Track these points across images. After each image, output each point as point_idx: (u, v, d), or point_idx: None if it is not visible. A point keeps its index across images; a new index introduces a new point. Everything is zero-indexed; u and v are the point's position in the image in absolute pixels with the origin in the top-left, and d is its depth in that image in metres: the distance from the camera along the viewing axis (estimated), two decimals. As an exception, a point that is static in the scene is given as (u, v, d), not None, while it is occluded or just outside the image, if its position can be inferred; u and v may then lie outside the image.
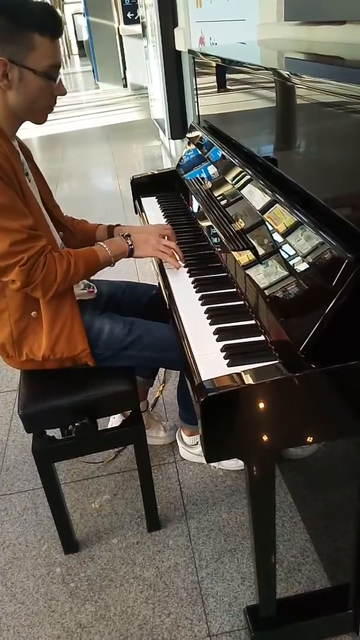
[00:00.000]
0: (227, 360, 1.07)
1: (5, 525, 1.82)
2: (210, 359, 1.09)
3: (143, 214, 2.02)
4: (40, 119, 1.40)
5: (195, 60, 2.02)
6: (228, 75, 1.70)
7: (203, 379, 0.99)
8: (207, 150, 1.84)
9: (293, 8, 1.71)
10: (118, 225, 1.74)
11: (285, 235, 1.12)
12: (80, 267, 1.38)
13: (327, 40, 1.50)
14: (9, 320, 1.43)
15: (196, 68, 2.05)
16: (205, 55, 1.88)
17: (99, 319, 1.53)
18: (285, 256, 1.11)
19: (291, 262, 1.08)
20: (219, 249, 1.51)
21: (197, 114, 2.15)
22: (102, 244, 1.47)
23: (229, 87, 1.73)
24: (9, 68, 1.26)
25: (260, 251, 1.21)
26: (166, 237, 1.56)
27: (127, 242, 1.49)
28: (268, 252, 1.18)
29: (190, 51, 2.07)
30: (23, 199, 1.33)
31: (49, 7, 1.32)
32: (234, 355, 1.08)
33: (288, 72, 1.17)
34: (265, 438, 0.99)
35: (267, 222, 1.22)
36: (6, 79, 1.27)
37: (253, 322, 1.19)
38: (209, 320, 1.24)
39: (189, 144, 2.05)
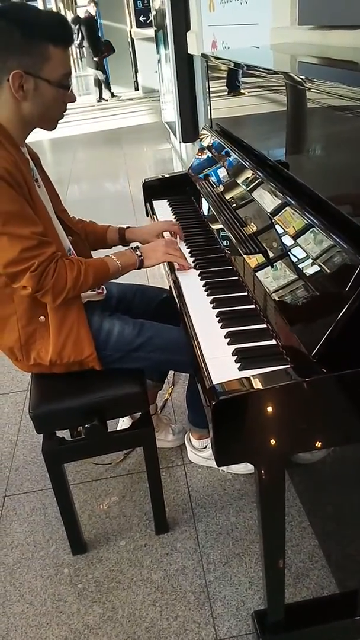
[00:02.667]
0: (239, 364, 1.07)
1: (14, 526, 1.83)
2: (221, 363, 1.09)
3: (154, 216, 2.03)
4: (51, 126, 1.41)
5: (208, 64, 2.03)
6: (240, 79, 1.70)
7: (214, 383, 0.99)
8: (219, 153, 1.84)
9: (307, 12, 1.71)
10: (129, 227, 1.75)
11: (296, 238, 1.12)
12: (90, 276, 1.39)
13: (341, 45, 1.50)
14: (17, 325, 1.45)
15: (209, 72, 2.05)
16: (217, 59, 1.88)
17: (109, 320, 1.54)
18: (297, 260, 1.11)
19: (303, 266, 1.08)
20: (230, 252, 1.51)
21: (209, 117, 2.15)
22: (112, 255, 1.48)
23: (241, 90, 1.73)
24: (24, 79, 1.27)
25: (272, 254, 1.21)
26: (173, 235, 1.57)
27: (137, 254, 1.50)
28: (279, 255, 1.18)
29: (203, 55, 2.07)
30: (33, 205, 1.34)
31: (61, 17, 1.34)
32: (245, 359, 1.08)
33: (300, 76, 1.17)
34: (275, 442, 0.99)
35: (277, 225, 1.22)
36: (22, 90, 1.28)
37: (264, 326, 1.18)
38: (220, 324, 1.24)
39: (200, 147, 2.06)
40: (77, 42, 10.47)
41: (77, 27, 10.27)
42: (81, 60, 17.64)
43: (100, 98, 11.00)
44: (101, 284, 1.50)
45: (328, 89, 1.05)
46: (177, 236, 1.72)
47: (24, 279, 1.30)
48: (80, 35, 10.35)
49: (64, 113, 1.41)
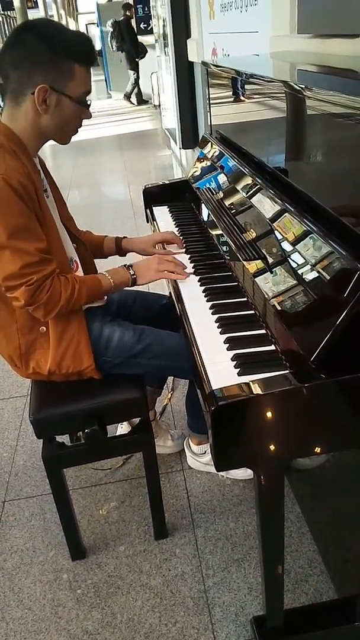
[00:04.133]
0: (238, 370, 1.07)
1: (13, 531, 1.83)
2: (220, 368, 1.10)
3: (154, 222, 2.04)
4: (66, 141, 1.45)
5: (208, 71, 2.04)
6: (240, 87, 1.72)
7: (214, 388, 0.99)
8: (218, 160, 1.86)
9: (306, 21, 1.73)
10: (125, 237, 1.77)
11: (295, 244, 1.13)
12: (83, 294, 1.41)
13: (340, 54, 1.51)
14: (17, 334, 1.46)
15: (209, 79, 2.07)
16: (218, 67, 1.90)
17: (109, 326, 1.54)
18: (296, 266, 1.11)
19: (302, 272, 1.08)
20: (230, 258, 1.52)
21: (209, 124, 2.17)
22: (105, 273, 1.50)
23: (241, 98, 1.74)
24: (48, 94, 1.30)
25: (271, 260, 1.22)
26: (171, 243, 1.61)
27: (130, 273, 1.51)
28: (278, 261, 1.19)
29: (203, 63, 2.09)
30: (41, 216, 1.35)
31: (86, 37, 1.38)
32: (244, 364, 1.08)
33: (300, 85, 1.18)
34: (275, 448, 1.00)
35: (277, 231, 1.23)
36: (44, 103, 1.32)
37: (263, 331, 1.19)
38: (220, 329, 1.24)
39: (200, 154, 2.07)
40: (115, 45, 10.51)
41: (117, 30, 10.33)
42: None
43: (129, 98, 11.10)
44: (94, 301, 1.51)
45: (327, 98, 1.07)
46: (176, 245, 1.73)
47: (18, 291, 1.31)
48: (120, 38, 10.39)
49: (79, 129, 1.45)
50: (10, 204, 1.26)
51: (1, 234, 1.26)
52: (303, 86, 1.16)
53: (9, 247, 1.27)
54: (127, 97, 11.26)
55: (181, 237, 1.77)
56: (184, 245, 1.72)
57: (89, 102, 1.40)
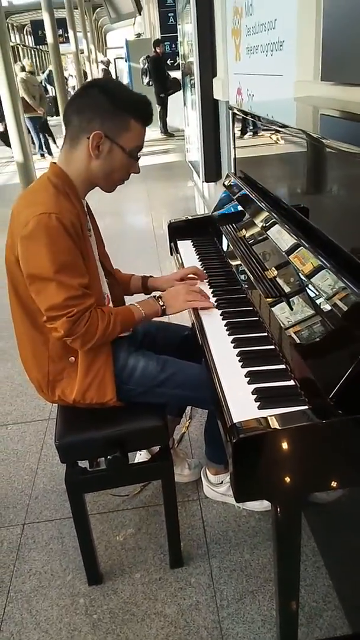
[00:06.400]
0: (258, 403, 1.11)
1: (32, 553, 1.86)
2: (241, 401, 1.14)
3: (178, 255, 2.11)
4: (111, 189, 1.55)
5: (234, 114, 2.13)
6: (263, 130, 1.80)
7: (235, 421, 1.04)
8: (241, 198, 1.93)
9: (329, 69, 1.81)
10: (151, 276, 1.85)
11: (316, 284, 1.18)
12: (118, 325, 1.49)
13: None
14: (48, 362, 1.53)
15: (234, 121, 2.15)
16: (242, 112, 1.99)
17: (134, 356, 1.60)
18: (315, 304, 1.16)
19: (321, 310, 1.13)
20: (251, 293, 1.57)
21: (233, 162, 2.25)
22: (137, 305, 1.58)
23: (263, 139, 1.82)
24: (102, 141, 1.41)
25: (291, 298, 1.27)
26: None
27: (160, 304, 1.59)
28: (298, 299, 1.24)
29: (229, 107, 2.18)
30: (85, 254, 1.44)
31: (146, 99, 1.49)
32: (264, 398, 1.12)
33: (319, 136, 1.25)
34: (293, 482, 1.03)
35: (297, 270, 1.28)
36: (97, 149, 1.42)
37: (283, 366, 1.23)
38: (241, 363, 1.29)
39: (225, 194, 2.15)
40: (146, 80, 10.86)
41: (147, 65, 10.70)
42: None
43: (165, 133, 11.43)
44: (126, 332, 1.59)
45: (346, 148, 1.13)
46: (200, 280, 1.79)
47: (59, 322, 1.39)
48: (149, 73, 10.74)
49: (125, 180, 1.54)
50: (61, 241, 1.35)
51: (49, 268, 1.35)
52: (323, 138, 1.22)
53: (55, 280, 1.36)
54: (162, 131, 11.56)
55: (204, 271, 1.83)
56: (207, 280, 1.78)
57: (139, 157, 1.49)
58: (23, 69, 9.83)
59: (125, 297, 1.81)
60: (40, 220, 1.33)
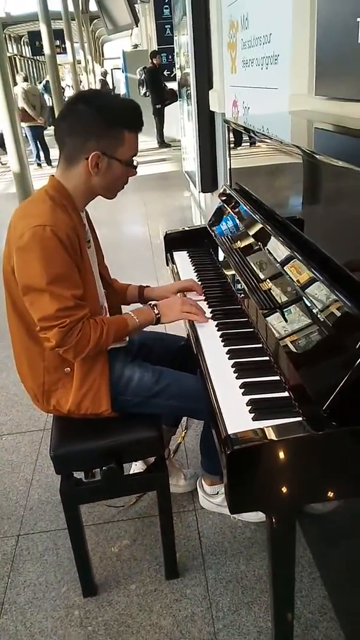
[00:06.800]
0: (252, 415, 1.12)
1: (26, 565, 1.85)
2: (236, 412, 1.14)
3: (174, 265, 2.12)
4: (112, 197, 1.57)
5: (230, 128, 2.15)
6: (258, 143, 1.82)
7: (229, 432, 1.04)
8: (236, 210, 1.94)
9: (323, 84, 1.83)
10: (147, 286, 1.87)
11: (309, 296, 1.19)
12: (111, 334, 1.49)
13: (357, 117, 1.60)
14: (43, 372, 1.54)
15: (230, 134, 2.17)
16: (239, 125, 2.01)
17: (130, 367, 1.61)
18: (310, 318, 1.17)
19: (315, 325, 1.14)
20: (246, 305, 1.59)
21: (229, 174, 2.27)
22: (131, 313, 1.58)
23: (259, 152, 1.84)
24: (100, 159, 1.42)
25: (285, 310, 1.28)
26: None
27: (155, 312, 1.60)
28: (293, 311, 1.25)
29: (225, 120, 2.20)
30: (82, 266, 1.46)
31: (135, 105, 1.50)
32: (258, 409, 1.13)
33: (313, 152, 1.27)
34: (288, 493, 1.04)
35: (292, 282, 1.29)
36: (97, 167, 1.44)
37: (277, 378, 1.24)
38: (236, 374, 1.30)
39: (220, 204, 2.16)
40: (143, 91, 10.92)
41: (144, 76, 10.76)
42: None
43: (161, 144, 11.46)
44: (120, 340, 1.60)
45: (340, 164, 1.14)
46: (196, 292, 1.79)
47: (51, 332, 1.40)
48: (146, 84, 10.81)
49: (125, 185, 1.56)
50: (55, 253, 1.37)
51: (42, 279, 1.36)
52: (317, 153, 1.24)
53: (48, 291, 1.37)
54: (159, 141, 11.60)
55: (199, 282, 1.85)
56: (203, 291, 1.79)
57: (135, 163, 1.51)
58: (26, 79, 9.93)
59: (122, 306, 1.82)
60: (35, 232, 1.35)
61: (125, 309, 1.75)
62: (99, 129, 1.41)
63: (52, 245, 1.36)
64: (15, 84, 9.37)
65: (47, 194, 1.45)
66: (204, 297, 1.74)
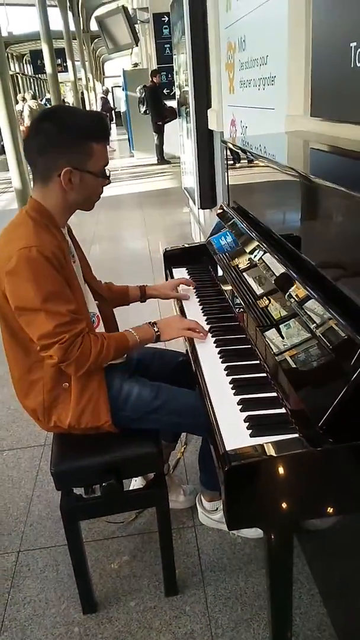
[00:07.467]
0: (250, 431, 1.14)
1: (26, 581, 1.86)
2: (234, 428, 1.16)
3: (173, 283, 2.15)
4: (90, 208, 1.60)
5: (228, 148, 2.20)
6: (256, 162, 1.85)
7: (227, 449, 1.06)
8: (234, 229, 1.98)
9: (319, 106, 1.87)
10: (147, 285, 1.94)
11: (305, 314, 1.22)
12: (111, 350, 1.52)
13: (353, 138, 1.64)
14: (43, 390, 1.56)
15: (227, 154, 2.21)
16: (236, 146, 2.05)
17: (128, 383, 1.63)
18: (306, 336, 1.19)
19: (310, 342, 1.16)
20: (244, 322, 1.61)
21: (227, 193, 2.31)
22: (131, 330, 1.61)
23: (257, 171, 1.87)
24: (72, 174, 1.45)
25: (283, 328, 1.30)
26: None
27: (154, 330, 1.63)
28: (289, 328, 1.27)
29: (223, 141, 2.25)
30: (69, 281, 1.48)
31: (100, 116, 1.55)
32: (256, 426, 1.15)
33: (313, 177, 1.30)
34: (286, 509, 1.05)
35: (290, 300, 1.32)
36: (70, 182, 1.46)
37: (275, 394, 1.26)
38: (233, 391, 1.32)
39: (218, 223, 2.20)
40: (143, 108, 11.06)
41: (144, 94, 10.92)
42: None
43: (161, 161, 11.58)
44: (120, 357, 1.62)
45: (336, 187, 1.17)
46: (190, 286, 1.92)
47: (52, 349, 1.42)
48: (145, 102, 10.95)
49: (101, 195, 1.59)
50: (45, 272, 1.39)
51: (36, 299, 1.39)
52: (311, 176, 1.28)
53: (43, 310, 1.40)
54: (159, 159, 11.70)
55: (198, 299, 1.88)
56: (201, 307, 1.82)
57: (108, 173, 1.54)
58: (34, 97, 10.04)
59: (123, 307, 1.90)
60: (22, 254, 1.38)
61: (125, 309, 1.80)
62: (66, 145, 1.44)
63: (40, 264, 1.39)
64: (17, 102, 9.49)
65: (28, 215, 1.48)
66: (201, 310, 1.78)
